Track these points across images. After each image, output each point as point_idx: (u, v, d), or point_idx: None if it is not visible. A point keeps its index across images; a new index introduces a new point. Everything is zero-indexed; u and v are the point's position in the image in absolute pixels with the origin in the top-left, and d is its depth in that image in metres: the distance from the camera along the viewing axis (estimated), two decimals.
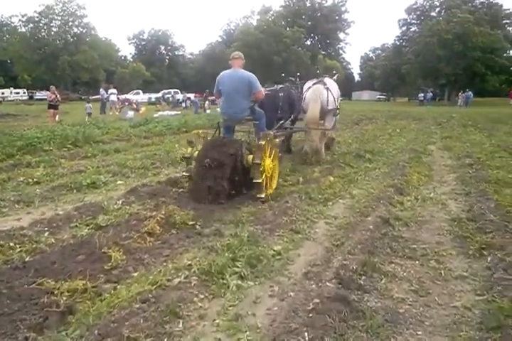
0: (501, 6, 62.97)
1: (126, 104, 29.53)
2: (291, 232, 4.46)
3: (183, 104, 36.95)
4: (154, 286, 3.00)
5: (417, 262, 3.72)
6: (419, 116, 24.59)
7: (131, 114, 23.35)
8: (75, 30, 59.71)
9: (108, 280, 3.19)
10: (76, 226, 4.51)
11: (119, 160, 8.37)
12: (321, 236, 4.39)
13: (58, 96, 20.16)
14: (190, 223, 4.60)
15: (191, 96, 37.06)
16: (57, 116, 19.85)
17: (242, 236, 4.05)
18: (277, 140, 6.64)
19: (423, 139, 13.00)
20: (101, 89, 26.76)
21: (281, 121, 8.29)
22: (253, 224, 4.61)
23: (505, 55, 59.11)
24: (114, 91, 27.09)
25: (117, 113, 26.12)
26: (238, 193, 5.86)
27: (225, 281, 3.18)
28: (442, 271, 3.50)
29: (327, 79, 9.14)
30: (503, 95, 63.66)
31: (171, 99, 39.20)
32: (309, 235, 4.41)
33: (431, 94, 53.92)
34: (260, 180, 5.53)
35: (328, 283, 3.12)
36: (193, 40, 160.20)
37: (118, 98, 30.48)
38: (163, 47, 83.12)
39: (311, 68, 57.20)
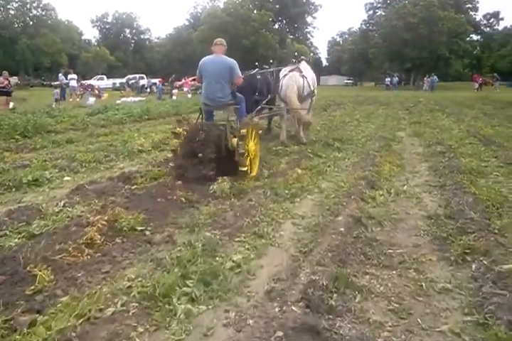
0: None
1: (89, 90, 28.42)
2: (253, 237, 3.96)
3: (148, 90, 35.87)
4: (81, 320, 2.45)
5: (394, 272, 3.28)
6: (386, 101, 24.43)
7: (92, 100, 22.41)
8: (34, 12, 57.07)
9: (28, 310, 2.60)
10: (6, 234, 3.89)
11: (70, 153, 7.67)
12: (287, 241, 3.91)
13: (12, 81, 19.04)
14: (139, 228, 4.04)
15: (156, 81, 35.80)
16: (11, 104, 18.74)
17: (197, 245, 3.53)
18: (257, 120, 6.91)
19: (392, 125, 12.68)
20: (60, 74, 25.45)
21: (258, 105, 8.65)
22: (211, 228, 4.10)
23: (468, 39, 59.91)
24: (74, 76, 25.94)
25: (78, 99, 25.02)
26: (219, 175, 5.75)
27: (171, 307, 2.65)
28: (423, 283, 3.07)
29: (302, 66, 9.35)
30: (465, 79, 64.86)
31: (135, 84, 37.95)
32: (274, 240, 3.92)
33: (397, 78, 54.19)
34: (245, 169, 5.83)
35: (293, 307, 2.64)
36: (160, 23, 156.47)
37: (81, 83, 29.30)
38: (128, 31, 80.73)
39: (279, 52, 56.61)
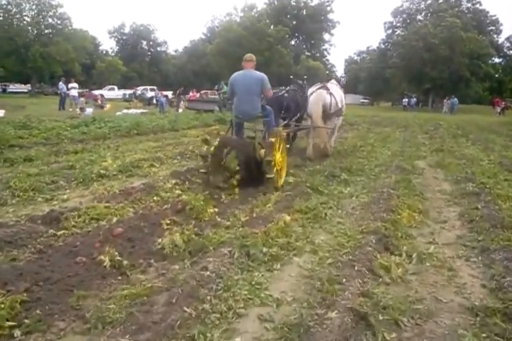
0: (487, 12, 62.42)
1: (91, 99, 27.40)
2: None
3: (154, 102, 34.74)
4: None
5: None
6: (404, 123, 22.78)
7: (89, 111, 21.27)
8: (50, 20, 56.55)
9: None
10: None
11: (8, 177, 6.16)
12: None
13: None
14: (7, 324, 2.50)
15: (159, 94, 34.50)
16: (1, 112, 17.64)
17: None
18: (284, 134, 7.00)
19: (410, 152, 10.98)
20: (60, 83, 24.29)
21: (286, 121, 8.84)
22: (121, 329, 2.53)
23: (490, 62, 58.44)
24: (75, 85, 24.71)
25: (77, 109, 23.84)
26: (248, 185, 6.11)
27: None
28: None
29: (330, 84, 9.77)
30: (485, 103, 63.05)
31: (142, 96, 36.90)
32: None
33: (415, 99, 52.66)
34: (273, 175, 5.94)
35: None
36: (178, 36, 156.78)
37: (89, 93, 28.39)
38: (145, 43, 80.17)
39: (294, 68, 55.37)
